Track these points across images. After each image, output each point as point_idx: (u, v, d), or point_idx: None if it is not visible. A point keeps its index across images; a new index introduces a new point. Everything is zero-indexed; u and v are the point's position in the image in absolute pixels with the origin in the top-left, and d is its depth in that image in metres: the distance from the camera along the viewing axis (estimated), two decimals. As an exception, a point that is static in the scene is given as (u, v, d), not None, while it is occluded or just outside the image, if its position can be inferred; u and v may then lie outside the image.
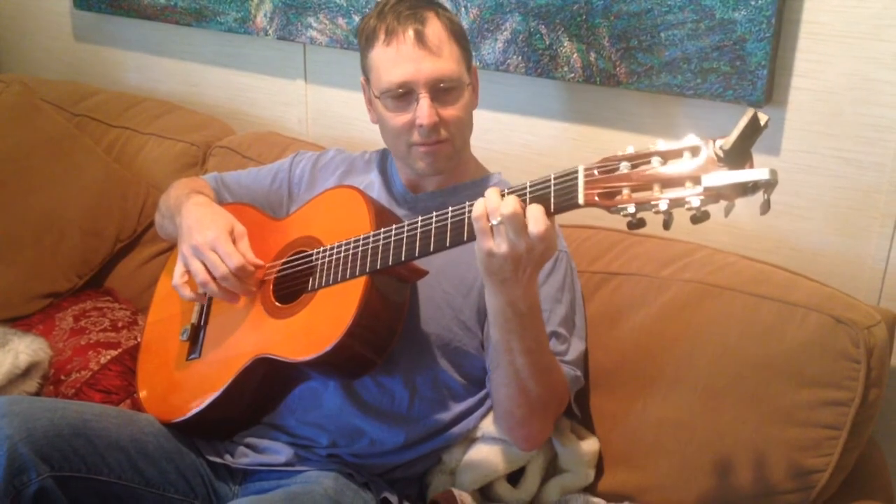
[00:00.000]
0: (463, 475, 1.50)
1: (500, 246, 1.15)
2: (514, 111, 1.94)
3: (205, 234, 1.45)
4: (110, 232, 2.12)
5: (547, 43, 1.79)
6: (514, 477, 1.53)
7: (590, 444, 1.50)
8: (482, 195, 1.54)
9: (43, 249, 2.06)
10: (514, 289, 1.21)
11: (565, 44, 1.77)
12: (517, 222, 1.13)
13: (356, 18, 2.02)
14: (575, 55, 1.77)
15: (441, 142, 1.46)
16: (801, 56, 1.59)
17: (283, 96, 2.31)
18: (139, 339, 1.90)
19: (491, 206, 1.16)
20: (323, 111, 2.25)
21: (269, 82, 2.33)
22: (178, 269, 1.48)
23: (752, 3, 1.55)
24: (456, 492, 1.45)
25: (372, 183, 1.62)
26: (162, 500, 1.43)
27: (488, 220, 1.16)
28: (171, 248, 2.12)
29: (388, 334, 1.38)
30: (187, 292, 1.47)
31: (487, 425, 1.51)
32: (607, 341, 1.54)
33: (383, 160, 1.66)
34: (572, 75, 1.79)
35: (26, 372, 1.77)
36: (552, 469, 1.53)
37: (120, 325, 1.96)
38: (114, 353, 1.86)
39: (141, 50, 2.55)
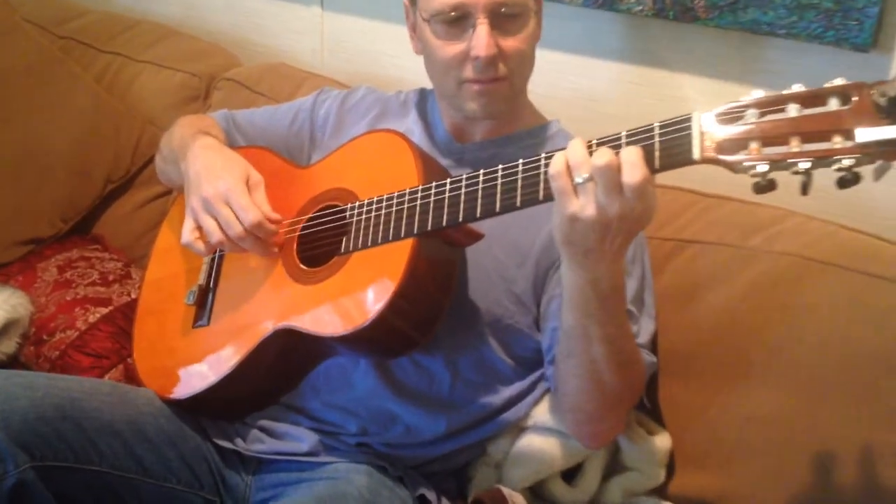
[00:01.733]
0: (511, 470, 1.31)
1: (585, 209, 0.94)
2: (564, 48, 1.70)
3: (216, 184, 1.22)
4: (100, 171, 1.89)
5: (613, -31, 1.55)
6: (570, 474, 1.33)
7: (661, 440, 1.31)
8: (541, 146, 1.35)
9: (23, 189, 1.83)
10: (598, 263, 1.00)
11: (635, -30, 1.53)
12: (610, 179, 0.92)
13: (387, -66, 1.76)
14: (646, -16, 1.53)
15: (498, 79, 1.24)
16: (917, -6, 1.36)
17: (296, 23, 2.06)
18: (132, 296, 1.69)
19: (576, 159, 0.95)
20: (341, 42, 2.01)
21: (279, 7, 2.07)
22: (188, 224, 1.25)
23: (869, -74, 1.31)
24: (505, 490, 1.26)
25: (410, 129, 1.39)
26: (162, 492, 1.23)
27: (571, 177, 0.95)
28: (170, 191, 1.90)
29: (434, 309, 1.18)
30: (201, 247, 1.24)
31: (540, 413, 1.32)
32: (681, 321, 1.34)
33: (422, 102, 1.43)
34: (640, 8, 1.55)
35: (3, 330, 1.55)
36: (614, 466, 1.34)
37: (111, 278, 1.74)
38: (104, 310, 1.64)
39: (134, -34, 2.28)
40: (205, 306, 1.34)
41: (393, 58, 1.94)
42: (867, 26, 1.37)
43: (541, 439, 1.31)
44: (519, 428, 1.33)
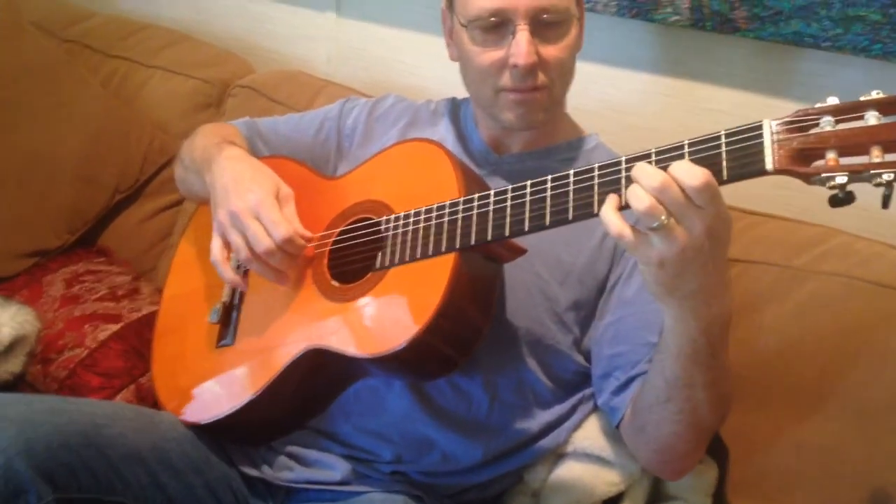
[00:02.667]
0: (550, 498, 1.25)
1: (667, 243, 0.85)
2: (594, 59, 1.64)
3: (245, 198, 1.16)
4: (108, 180, 1.81)
5: (649, -23, 1.50)
6: (611, 502, 1.27)
7: (707, 469, 1.25)
8: (581, 160, 1.29)
9: (28, 198, 1.75)
10: (710, 301, 0.91)
11: (672, -21, 1.48)
12: (675, 196, 0.84)
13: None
14: (683, -7, 1.48)
15: (538, 88, 1.19)
16: (969, 6, 1.32)
17: (310, 30, 2.00)
18: (143, 312, 1.62)
19: (654, 182, 0.84)
20: (357, 49, 1.95)
21: (292, 13, 2.02)
22: (216, 241, 1.18)
23: (923, -64, 1.27)
24: (545, 520, 1.19)
25: (443, 138, 1.33)
26: (186, 522, 1.16)
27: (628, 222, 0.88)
28: (181, 201, 1.83)
29: (475, 328, 1.11)
30: (229, 274, 1.18)
31: (580, 439, 1.26)
32: (730, 341, 1.27)
33: (455, 111, 1.37)
34: (676, 17, 1.50)
35: (9, 348, 1.47)
36: (657, 495, 1.28)
37: (120, 293, 1.66)
38: (114, 327, 1.57)
39: (140, -31, 2.22)
40: (229, 325, 1.27)
41: (410, 66, 1.89)
42: (916, 40, 1.33)
43: (581, 467, 1.25)
44: (557, 454, 1.27)
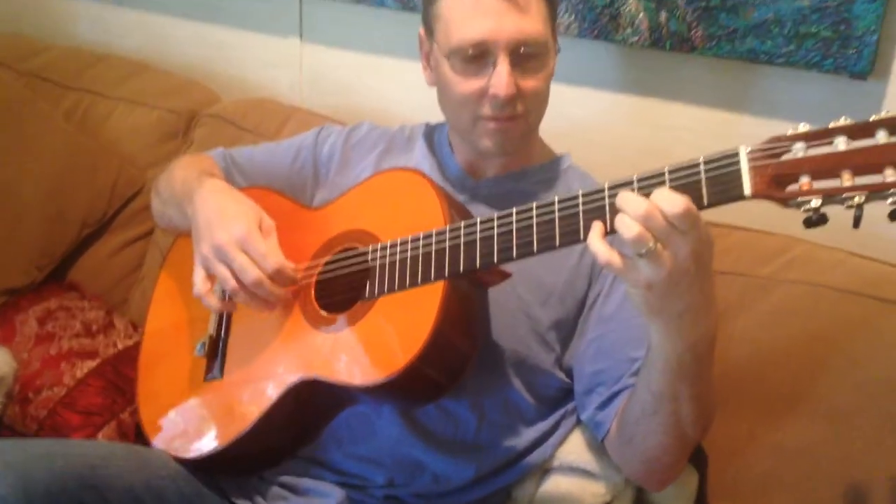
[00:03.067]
0: (540, 513, 1.27)
1: (654, 268, 0.89)
2: (558, 79, 1.63)
3: (230, 231, 1.17)
4: (76, 215, 1.80)
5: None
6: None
7: (688, 476, 1.29)
8: (556, 181, 1.33)
9: (-6, 236, 1.72)
10: (697, 321, 0.95)
11: (630, 1, 1.53)
12: (658, 223, 0.87)
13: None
14: (642, 14, 1.53)
15: (516, 117, 1.22)
16: (912, 21, 1.39)
17: (273, 56, 2.01)
18: (119, 347, 1.62)
19: (639, 210, 0.87)
20: (322, 75, 1.97)
21: (254, 39, 2.02)
22: (199, 273, 1.19)
23: (868, -43, 1.34)
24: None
25: (419, 164, 1.35)
26: (182, 558, 1.16)
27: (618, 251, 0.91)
28: (150, 232, 1.83)
29: (465, 353, 1.14)
30: (215, 303, 1.19)
31: (565, 453, 1.29)
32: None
33: (430, 136, 1.40)
34: (636, 38, 1.55)
35: (-13, 390, 1.45)
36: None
37: (94, 328, 1.65)
38: (92, 364, 1.56)
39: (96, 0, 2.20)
40: (216, 358, 1.27)
41: (374, 90, 1.91)
42: (865, 54, 1.39)
43: (567, 480, 1.28)
44: (543, 470, 1.30)
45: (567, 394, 1.28)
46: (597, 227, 0.93)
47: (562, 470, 1.29)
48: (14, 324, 1.64)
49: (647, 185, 0.93)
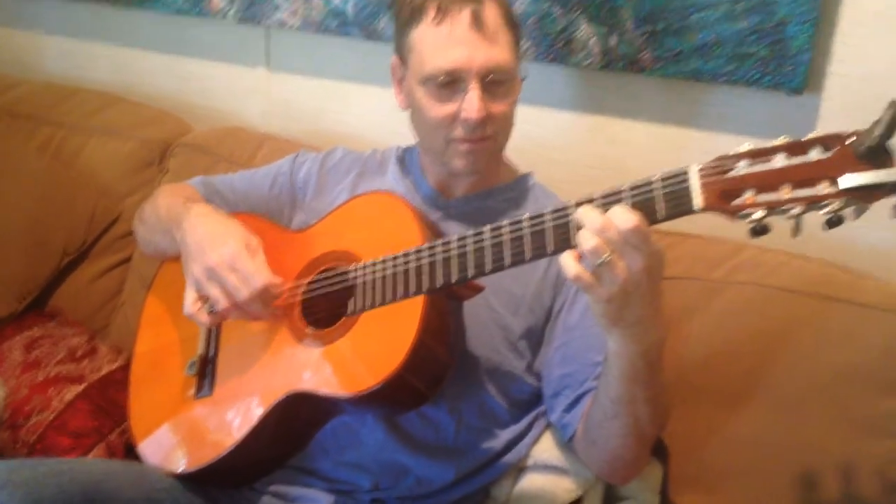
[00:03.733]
0: (517, 509, 1.36)
1: (614, 282, 0.97)
2: (518, 100, 1.78)
3: (220, 252, 1.24)
4: (56, 245, 1.84)
5: (562, 26, 1.65)
6: (572, 507, 1.39)
7: (652, 468, 1.38)
8: (522, 199, 1.42)
9: (-25, 269, 1.77)
10: (648, 331, 1.04)
11: (583, 27, 1.63)
12: (616, 238, 0.96)
13: (336, -1, 1.82)
14: (593, 39, 1.63)
15: (485, 139, 1.30)
16: (842, 40, 1.51)
17: (242, 85, 2.07)
18: (104, 371, 1.66)
19: (596, 224, 0.96)
20: (289, 102, 2.04)
21: (222, 69, 2.09)
22: (190, 294, 1.26)
23: (798, -18, 1.45)
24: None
25: (392, 186, 1.43)
26: (180, 568, 1.22)
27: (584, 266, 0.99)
28: (129, 258, 1.88)
29: (444, 362, 1.22)
30: (205, 319, 1.25)
31: (539, 452, 1.37)
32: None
33: (402, 159, 1.48)
34: (589, 61, 1.65)
35: (-23, 418, 1.50)
36: (612, 496, 1.40)
37: (79, 353, 1.70)
38: (78, 388, 1.61)
39: (63, 34, 2.25)
40: (206, 376, 1.34)
41: (341, 115, 1.98)
42: (800, 71, 1.50)
43: (542, 477, 1.36)
44: (519, 468, 1.37)
45: (538, 397, 1.36)
46: (569, 251, 1.00)
47: (536, 468, 1.37)
48: (0, 351, 1.68)
49: (608, 201, 1.01)
